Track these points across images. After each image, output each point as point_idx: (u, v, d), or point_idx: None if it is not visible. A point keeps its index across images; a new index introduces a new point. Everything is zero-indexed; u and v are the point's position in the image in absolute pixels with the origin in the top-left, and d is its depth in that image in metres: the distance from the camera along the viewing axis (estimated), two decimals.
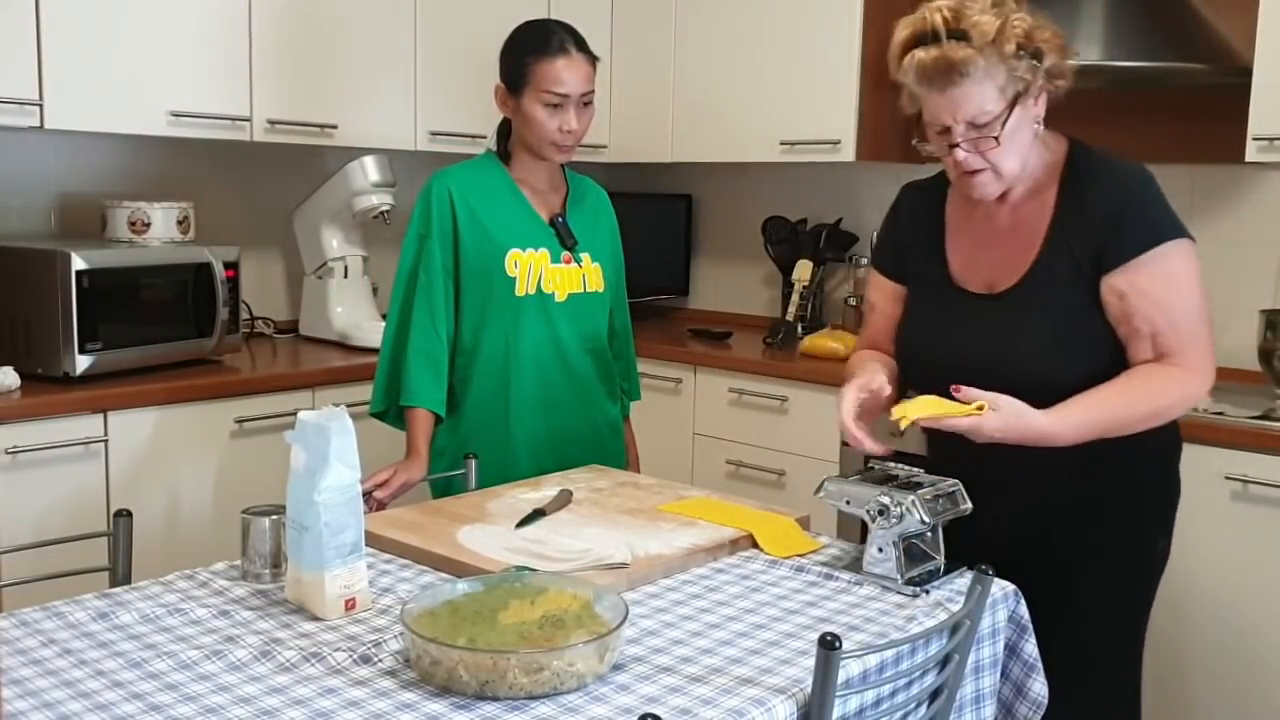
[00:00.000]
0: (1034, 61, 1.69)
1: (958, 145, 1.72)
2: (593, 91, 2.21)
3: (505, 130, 2.30)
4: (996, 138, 1.70)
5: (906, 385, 1.93)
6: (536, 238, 2.25)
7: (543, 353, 2.25)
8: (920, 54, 1.69)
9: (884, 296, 2.01)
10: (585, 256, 2.30)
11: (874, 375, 1.83)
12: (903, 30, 1.73)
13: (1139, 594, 1.89)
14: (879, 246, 2.07)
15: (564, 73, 2.15)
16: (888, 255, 2.02)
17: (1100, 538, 1.83)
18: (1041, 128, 1.77)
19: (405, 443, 2.21)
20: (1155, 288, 1.72)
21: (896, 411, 1.68)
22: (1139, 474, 1.85)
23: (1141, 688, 1.92)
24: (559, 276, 2.25)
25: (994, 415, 1.64)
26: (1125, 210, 1.74)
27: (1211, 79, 2.86)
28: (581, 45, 2.19)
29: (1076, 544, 1.83)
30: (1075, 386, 1.72)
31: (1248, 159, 2.62)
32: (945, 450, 1.86)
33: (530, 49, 2.17)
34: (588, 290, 2.29)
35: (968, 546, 1.70)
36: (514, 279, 2.21)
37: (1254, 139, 2.61)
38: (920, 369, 1.91)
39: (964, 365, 1.77)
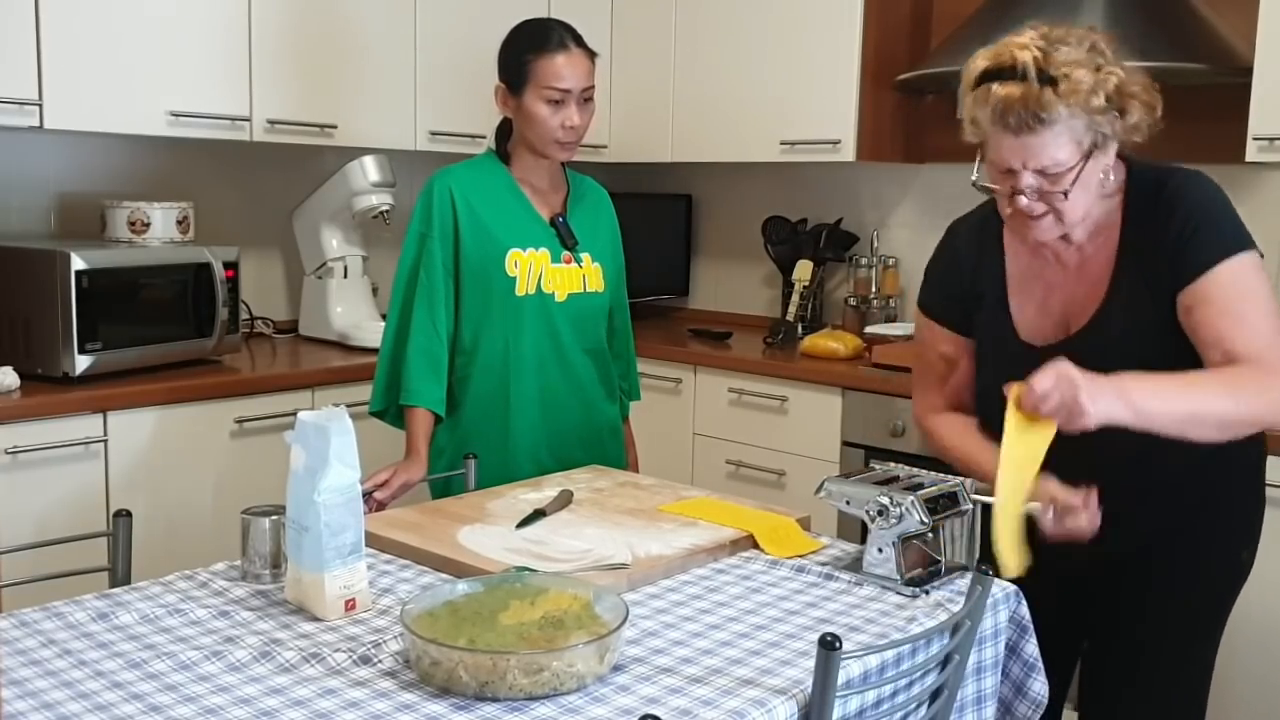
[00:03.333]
0: (1118, 116, 1.62)
1: (1022, 192, 1.63)
2: (593, 87, 2.20)
3: (505, 131, 2.29)
4: (1066, 192, 1.62)
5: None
6: (537, 237, 2.24)
7: (542, 352, 2.25)
8: (999, 90, 1.58)
9: (956, 349, 1.89)
10: (586, 256, 2.29)
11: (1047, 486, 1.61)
12: (981, 60, 1.63)
13: (1221, 603, 1.83)
14: (936, 295, 1.92)
15: (564, 69, 2.14)
16: (954, 306, 1.88)
17: (1191, 548, 1.78)
18: (1111, 175, 1.69)
19: (404, 443, 2.21)
20: (1220, 294, 1.62)
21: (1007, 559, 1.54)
22: (1230, 482, 1.80)
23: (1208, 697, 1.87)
24: (559, 276, 2.25)
25: (1073, 369, 1.51)
26: (1189, 224, 1.65)
27: (1211, 79, 2.86)
28: (580, 41, 2.19)
29: (1169, 556, 1.79)
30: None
31: (1248, 159, 2.62)
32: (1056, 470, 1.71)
33: (529, 46, 2.17)
34: (588, 290, 2.29)
35: (1064, 563, 1.65)
36: (514, 279, 2.21)
37: (1254, 139, 2.61)
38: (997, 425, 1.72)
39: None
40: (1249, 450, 1.79)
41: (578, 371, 2.30)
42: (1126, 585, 1.80)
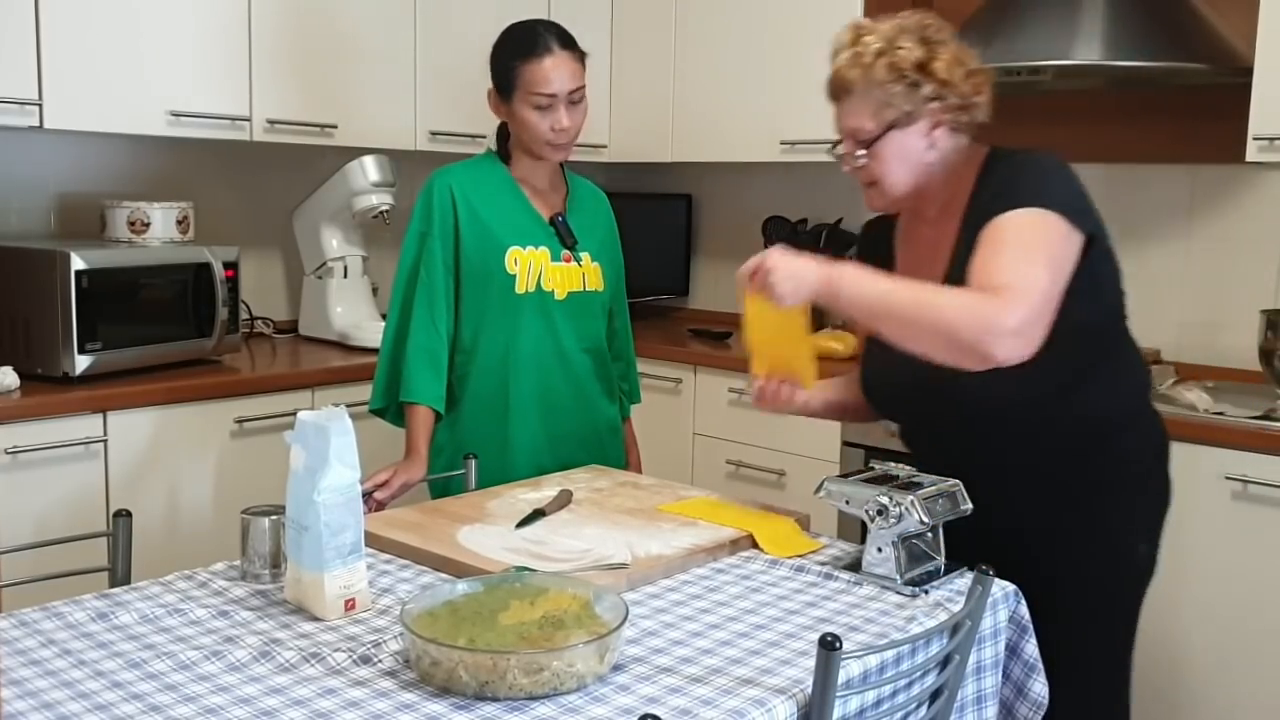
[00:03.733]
0: (912, 89, 1.72)
1: (842, 155, 1.82)
2: (582, 88, 2.20)
3: (505, 131, 2.30)
4: (864, 156, 1.78)
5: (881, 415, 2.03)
6: (537, 236, 2.25)
7: (542, 351, 2.25)
8: (832, 67, 1.80)
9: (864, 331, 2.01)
10: (585, 256, 2.30)
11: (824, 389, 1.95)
12: (836, 37, 1.82)
13: (1119, 601, 1.85)
14: None
15: (550, 72, 2.15)
16: None
17: (1073, 539, 1.80)
18: (935, 151, 1.77)
19: (404, 442, 2.21)
20: (995, 235, 1.65)
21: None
22: (1115, 471, 1.81)
23: (1130, 698, 1.88)
24: (559, 275, 2.25)
25: (770, 257, 1.74)
26: (1001, 187, 1.72)
27: (1211, 79, 2.86)
28: (566, 42, 2.19)
29: (1049, 544, 1.80)
30: (1014, 395, 1.70)
31: (1248, 159, 2.62)
32: (917, 448, 1.93)
33: (515, 53, 2.18)
34: (587, 289, 2.29)
35: (970, 543, 1.70)
36: (514, 276, 2.21)
37: (1254, 139, 2.61)
38: (879, 398, 1.96)
39: (915, 389, 1.80)
40: (1142, 444, 1.84)
41: (577, 370, 2.30)
42: (1028, 573, 1.75)
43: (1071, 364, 1.72)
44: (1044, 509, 1.80)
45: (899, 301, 1.63)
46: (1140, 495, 1.85)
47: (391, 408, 2.27)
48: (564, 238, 2.27)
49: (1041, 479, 1.79)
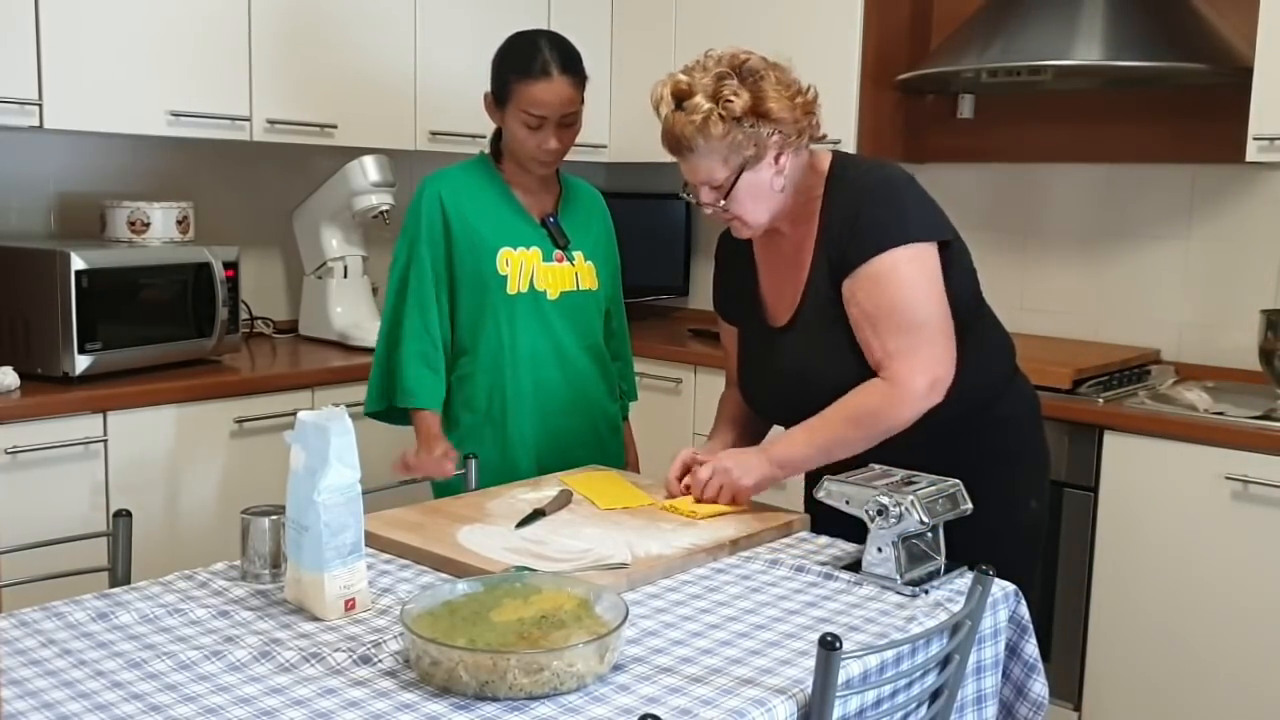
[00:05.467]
0: (754, 131, 1.78)
1: (703, 204, 1.86)
2: (577, 111, 2.21)
3: (498, 136, 2.30)
4: (725, 203, 1.83)
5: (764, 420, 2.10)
6: (528, 237, 2.25)
7: (538, 351, 2.25)
8: (662, 121, 1.82)
9: (728, 337, 2.11)
10: (578, 255, 2.30)
11: (714, 444, 2.05)
12: (654, 91, 1.83)
13: (1020, 552, 1.93)
14: (714, 293, 2.13)
15: (543, 95, 2.15)
16: (720, 301, 2.11)
17: (980, 495, 1.77)
18: (784, 178, 1.84)
19: (420, 444, 2.23)
20: (867, 296, 1.79)
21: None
22: (995, 438, 1.93)
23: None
24: (551, 275, 2.26)
25: (726, 459, 1.86)
26: (858, 215, 1.80)
27: (1211, 79, 2.86)
28: (567, 66, 2.18)
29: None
30: None
31: (1248, 159, 2.62)
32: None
33: (513, 67, 2.18)
34: (581, 288, 2.30)
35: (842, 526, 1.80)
36: (505, 277, 2.22)
37: (1254, 139, 2.61)
38: (761, 406, 2.04)
39: (780, 401, 1.95)
40: (1016, 410, 1.97)
41: (575, 369, 2.30)
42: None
43: None
44: (941, 465, 1.81)
45: (831, 440, 1.81)
46: (1024, 455, 1.98)
47: (389, 410, 2.28)
48: (555, 238, 2.27)
49: (931, 455, 1.79)
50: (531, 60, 2.16)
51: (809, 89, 1.85)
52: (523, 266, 2.23)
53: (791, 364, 1.90)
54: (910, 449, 1.79)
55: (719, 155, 1.79)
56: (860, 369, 1.81)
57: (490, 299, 2.22)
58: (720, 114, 1.76)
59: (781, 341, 1.92)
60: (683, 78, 1.80)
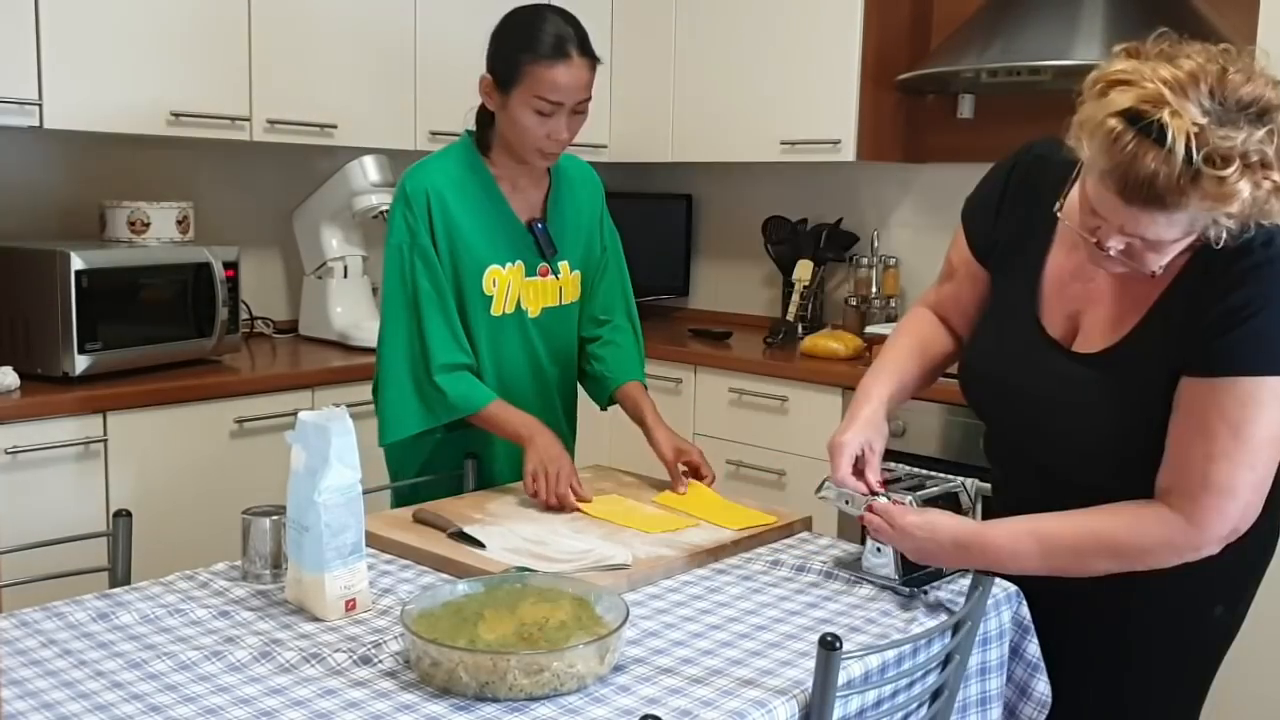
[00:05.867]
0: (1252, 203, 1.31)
1: (1105, 248, 1.40)
2: (590, 97, 2.02)
3: (485, 116, 2.10)
4: (1154, 272, 1.41)
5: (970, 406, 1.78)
6: (513, 249, 2.11)
7: (518, 368, 2.15)
8: (1132, 147, 1.29)
9: (965, 270, 1.75)
10: (564, 265, 2.17)
11: (875, 436, 1.66)
12: (1124, 96, 1.32)
13: (1190, 663, 1.66)
14: (976, 211, 1.75)
15: (562, 78, 1.95)
16: (983, 238, 1.72)
17: (1152, 598, 1.60)
18: None
19: (518, 437, 2.02)
20: (1221, 413, 1.41)
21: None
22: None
23: None
24: (534, 290, 2.14)
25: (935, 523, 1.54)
26: (1237, 314, 1.41)
27: None
28: (584, 47, 1.99)
29: (1127, 603, 1.61)
30: (1114, 487, 1.50)
31: None
32: (997, 455, 1.76)
33: (526, 46, 1.97)
34: (563, 303, 2.19)
35: (1042, 599, 1.63)
36: (490, 298, 2.09)
37: None
38: (976, 391, 1.72)
39: (1020, 411, 1.62)
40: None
41: (547, 383, 2.21)
42: (1093, 632, 1.66)
43: None
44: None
45: (1072, 563, 1.50)
46: (1223, 554, 1.50)
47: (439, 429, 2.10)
48: (543, 248, 2.13)
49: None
50: (547, 39, 1.96)
51: None
52: (510, 287, 2.10)
53: (1059, 394, 1.56)
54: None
55: (1197, 223, 1.34)
56: (1114, 452, 1.52)
57: (472, 317, 2.09)
58: (1253, 181, 1.28)
59: (1053, 362, 1.58)
60: (1197, 112, 1.28)
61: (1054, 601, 1.63)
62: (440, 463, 2.16)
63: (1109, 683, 1.67)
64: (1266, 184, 1.28)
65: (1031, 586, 1.63)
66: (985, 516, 1.67)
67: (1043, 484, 1.62)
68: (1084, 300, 1.58)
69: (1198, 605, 1.62)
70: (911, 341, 1.79)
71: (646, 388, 2.24)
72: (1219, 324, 1.42)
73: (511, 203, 2.12)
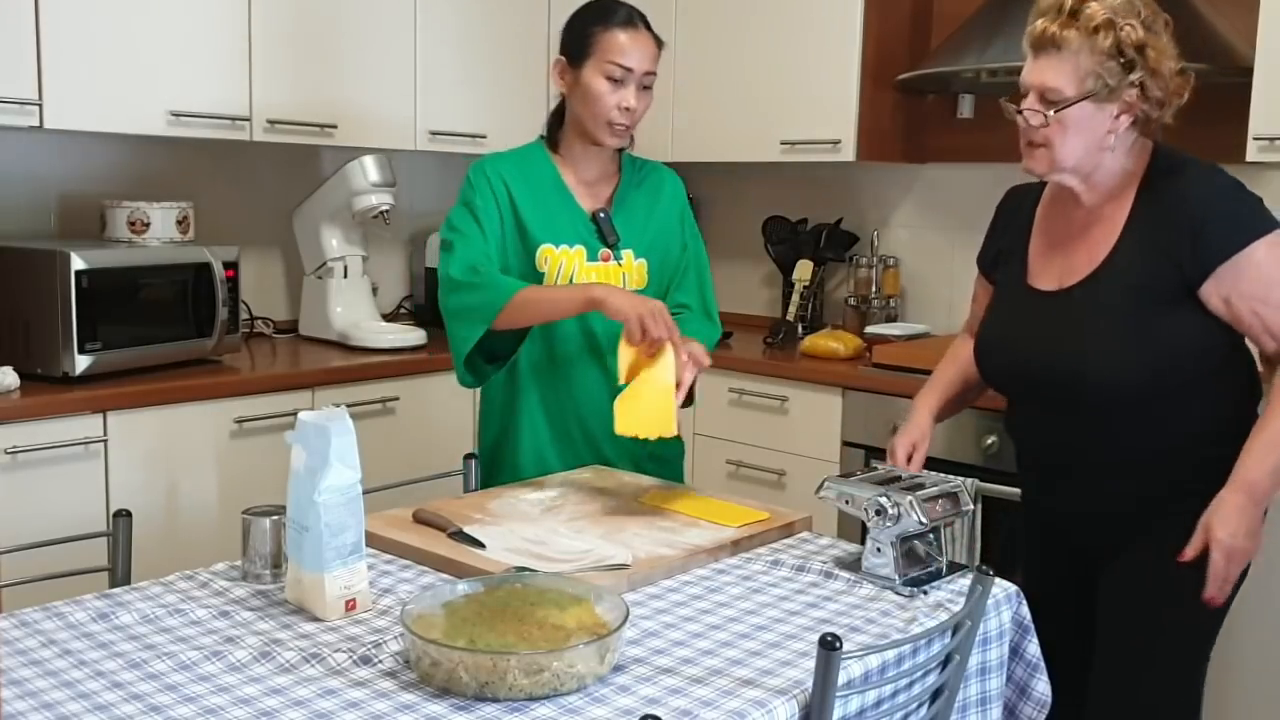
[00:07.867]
0: (1124, 70, 1.73)
1: (1021, 111, 1.79)
2: (654, 74, 2.12)
3: (557, 119, 2.21)
4: (1051, 115, 1.75)
5: (987, 384, 2.07)
6: (573, 234, 2.16)
7: (572, 346, 2.16)
8: (1039, 21, 1.77)
9: (982, 289, 2.11)
10: (627, 253, 2.19)
11: (921, 439, 2.01)
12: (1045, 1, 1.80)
13: (1201, 602, 1.77)
14: (983, 248, 2.11)
15: (629, 44, 2.08)
16: (988, 257, 2.09)
17: (1161, 537, 1.79)
18: (1116, 138, 1.79)
19: (588, 301, 2.00)
20: (1252, 282, 1.73)
21: None
22: (1210, 479, 1.75)
23: (1202, 693, 1.88)
24: (594, 275, 2.15)
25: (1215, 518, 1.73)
26: (1209, 213, 1.75)
27: (1211, 79, 2.86)
28: (648, 25, 2.14)
29: (1162, 525, 1.80)
30: (1140, 387, 1.77)
31: (1248, 159, 2.62)
32: (1020, 424, 2.01)
33: (596, 19, 2.11)
34: (626, 289, 2.17)
35: (1070, 528, 1.93)
36: (542, 275, 2.13)
37: (1254, 139, 2.61)
38: (992, 367, 1.99)
39: (1029, 363, 1.88)
40: (1235, 438, 1.78)
41: (603, 366, 2.18)
42: (1126, 555, 1.85)
43: (1209, 365, 1.80)
44: (1134, 506, 1.85)
45: None
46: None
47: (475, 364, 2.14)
48: (605, 235, 2.17)
49: (1139, 477, 1.83)
50: (617, 11, 2.11)
51: (1191, 77, 1.81)
52: (562, 267, 2.13)
53: (1056, 331, 1.84)
54: (1121, 467, 1.85)
55: (1078, 70, 1.74)
56: (1127, 359, 1.77)
57: None
58: (1114, 34, 1.72)
59: (1044, 305, 1.88)
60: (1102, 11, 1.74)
61: (1075, 543, 1.89)
62: (518, 421, 2.20)
63: (1152, 602, 1.83)
64: (1127, 25, 1.72)
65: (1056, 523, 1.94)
66: (1010, 485, 1.92)
67: (1062, 436, 1.89)
68: (1062, 257, 1.89)
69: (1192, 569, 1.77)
70: (951, 362, 2.14)
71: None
72: (1189, 227, 1.75)
73: (576, 194, 2.20)
